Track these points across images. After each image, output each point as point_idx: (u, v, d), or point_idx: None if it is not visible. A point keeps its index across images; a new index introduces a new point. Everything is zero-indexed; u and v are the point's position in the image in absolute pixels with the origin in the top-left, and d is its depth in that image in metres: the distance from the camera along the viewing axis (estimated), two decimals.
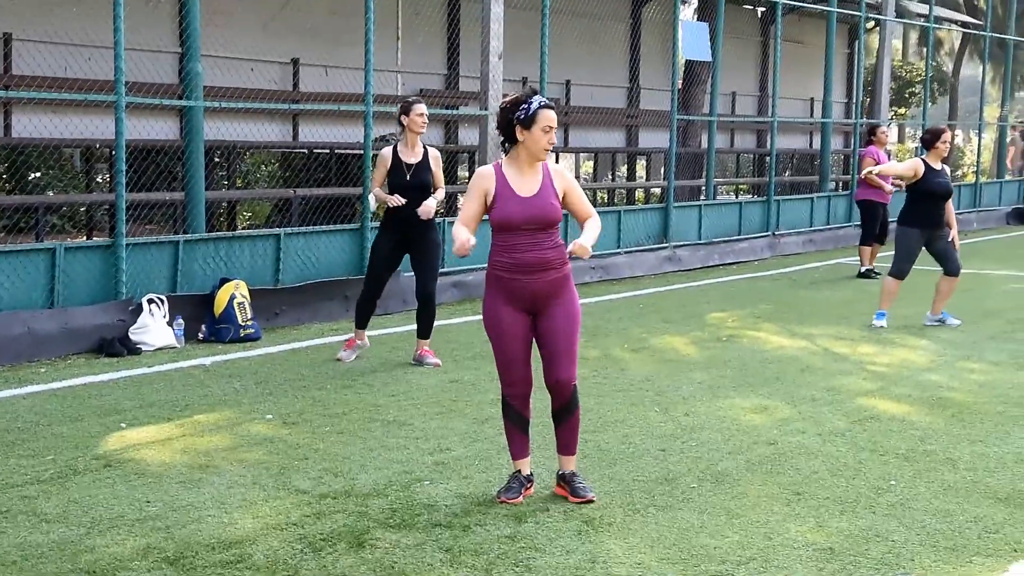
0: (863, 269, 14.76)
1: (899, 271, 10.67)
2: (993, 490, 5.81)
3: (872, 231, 14.80)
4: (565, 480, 5.57)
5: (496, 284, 5.43)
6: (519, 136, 5.35)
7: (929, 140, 10.66)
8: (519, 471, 5.58)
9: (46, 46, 12.58)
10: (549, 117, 5.35)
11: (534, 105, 5.32)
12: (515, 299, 5.41)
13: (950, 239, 10.63)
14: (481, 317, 5.59)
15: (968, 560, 4.84)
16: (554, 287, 5.43)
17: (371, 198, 8.74)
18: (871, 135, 15.07)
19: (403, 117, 8.56)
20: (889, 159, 15.11)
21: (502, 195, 5.37)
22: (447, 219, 12.12)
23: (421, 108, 8.53)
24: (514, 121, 5.34)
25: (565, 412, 5.55)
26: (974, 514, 5.43)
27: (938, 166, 10.63)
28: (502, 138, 5.46)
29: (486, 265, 5.51)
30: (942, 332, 10.40)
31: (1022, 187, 25.98)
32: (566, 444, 5.60)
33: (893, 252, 10.76)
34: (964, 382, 8.42)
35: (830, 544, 4.99)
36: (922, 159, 10.66)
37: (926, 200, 10.47)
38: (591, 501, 5.46)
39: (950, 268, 10.64)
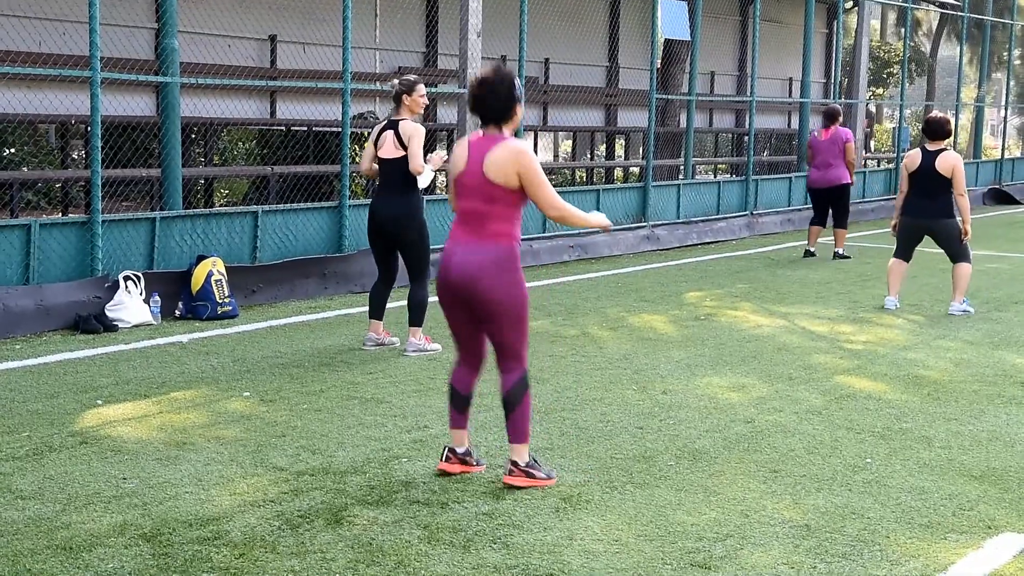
0: (839, 251, 14.65)
1: (970, 255, 10.55)
2: (968, 468, 5.85)
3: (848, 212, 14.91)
4: (470, 454, 5.67)
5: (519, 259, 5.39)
6: (517, 112, 5.34)
7: (950, 131, 10.51)
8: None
9: (20, 20, 12.45)
10: None
11: (519, 82, 5.36)
12: None
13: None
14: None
15: (943, 537, 4.88)
16: None
17: (429, 173, 8.28)
18: (837, 117, 14.85)
19: (405, 96, 8.28)
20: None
21: None
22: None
23: (423, 88, 8.39)
24: (518, 99, 5.32)
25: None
26: (949, 491, 5.47)
27: None
28: (494, 118, 5.31)
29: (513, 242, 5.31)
30: (918, 312, 10.45)
31: (998, 168, 26.10)
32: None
33: (957, 245, 10.42)
34: (940, 361, 8.47)
35: (806, 521, 5.02)
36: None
37: None
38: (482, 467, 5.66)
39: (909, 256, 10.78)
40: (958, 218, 10.45)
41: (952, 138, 25.82)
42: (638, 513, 5.08)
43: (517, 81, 5.32)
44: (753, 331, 9.54)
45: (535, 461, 5.47)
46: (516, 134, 5.35)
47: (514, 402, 5.39)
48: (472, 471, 5.58)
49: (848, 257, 14.64)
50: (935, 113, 10.74)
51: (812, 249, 14.84)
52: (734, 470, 5.73)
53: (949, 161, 10.31)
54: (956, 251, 10.52)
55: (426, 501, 5.15)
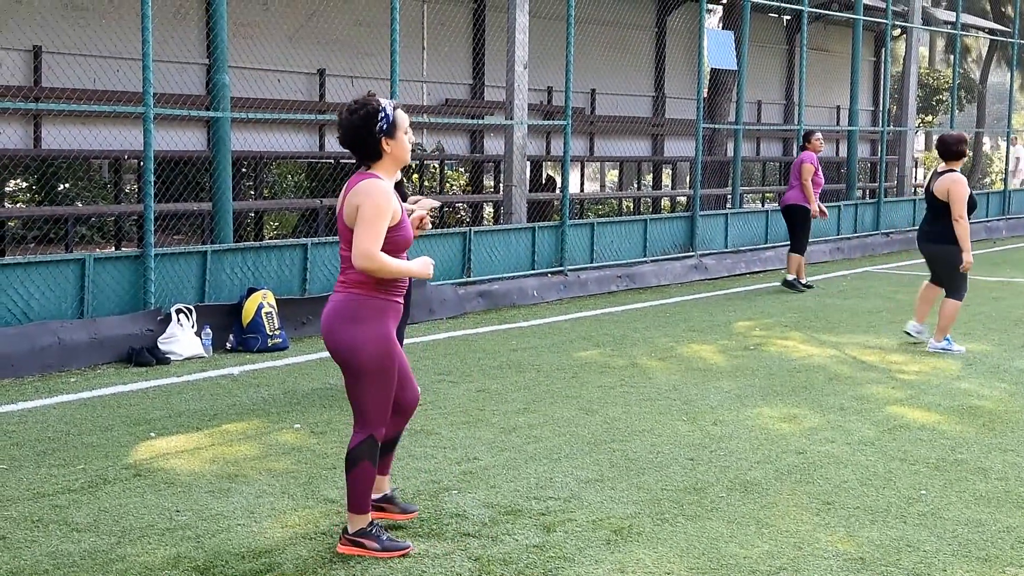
0: (790, 278, 14.10)
1: (962, 291, 9.88)
2: None
3: (805, 237, 14.24)
4: (392, 499, 5.27)
5: (384, 313, 4.83)
6: (386, 148, 4.80)
7: (960, 152, 9.79)
8: (375, 520, 5.03)
9: (75, 58, 12.68)
10: (406, 118, 4.88)
11: (390, 110, 4.80)
12: (394, 324, 4.91)
13: None
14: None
15: (1001, 571, 4.81)
16: None
17: None
18: (806, 140, 14.34)
19: None
20: (819, 166, 14.24)
21: (403, 217, 4.86)
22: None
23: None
24: (379, 134, 4.77)
25: (401, 433, 5.25)
26: (1006, 524, 5.39)
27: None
28: (358, 156, 4.84)
29: (367, 293, 4.81)
30: (971, 340, 10.29)
31: None
32: (391, 462, 5.31)
33: (948, 275, 9.86)
34: (994, 390, 8.36)
35: (861, 554, 4.96)
36: (957, 171, 9.81)
37: (970, 215, 9.76)
38: (414, 513, 5.28)
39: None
40: (950, 248, 9.73)
41: (1009, 160, 25.58)
42: (690, 546, 5.04)
43: (384, 112, 4.77)
44: (803, 361, 9.47)
45: (372, 531, 4.93)
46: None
47: (348, 466, 4.90)
48: (396, 518, 5.25)
49: (800, 290, 13.90)
50: (949, 132, 10.25)
51: (789, 278, 14.21)
52: (786, 502, 5.68)
53: (944, 183, 9.66)
54: (946, 283, 9.93)
55: (476, 533, 5.15)
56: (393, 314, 4.88)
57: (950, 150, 9.84)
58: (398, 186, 7.67)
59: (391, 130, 4.79)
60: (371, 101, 4.80)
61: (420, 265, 4.91)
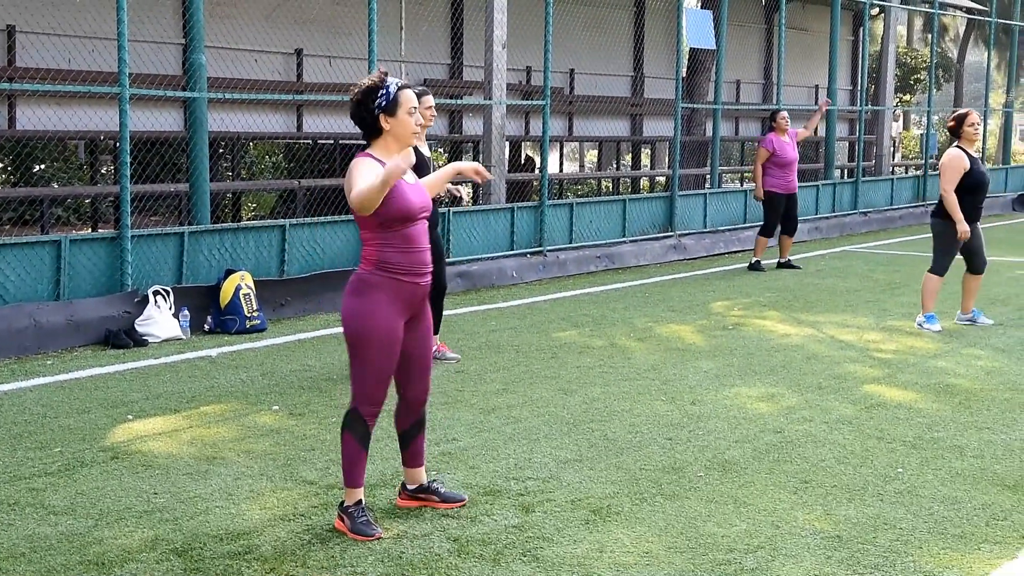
0: (752, 260, 14.25)
1: (941, 267, 9.90)
2: (1001, 477, 5.80)
3: (771, 222, 14.35)
4: (431, 490, 5.24)
5: (383, 289, 4.83)
6: (385, 125, 4.84)
7: (954, 127, 9.88)
8: (361, 500, 4.98)
9: (50, 38, 12.57)
10: (411, 97, 4.87)
11: (393, 88, 4.82)
12: (403, 306, 4.88)
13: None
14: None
15: (976, 547, 4.84)
16: (428, 289, 5.04)
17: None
18: (772, 120, 14.40)
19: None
20: (794, 140, 14.35)
21: (396, 186, 4.78)
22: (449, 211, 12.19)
23: (430, 100, 7.75)
24: (376, 110, 4.83)
25: (420, 426, 5.22)
26: (982, 501, 5.42)
27: (975, 153, 9.92)
28: (362, 132, 4.92)
29: (369, 270, 4.87)
30: (947, 320, 10.35)
31: None
32: (420, 455, 5.26)
33: (932, 249, 9.99)
34: (971, 369, 8.41)
35: (838, 532, 4.99)
36: (959, 148, 9.79)
37: (970, 193, 9.73)
38: (464, 503, 5.25)
39: (976, 265, 10.02)
40: (943, 223, 9.79)
41: (986, 139, 25.67)
42: (668, 525, 5.06)
43: (385, 89, 4.81)
44: (781, 340, 9.50)
45: (350, 510, 4.94)
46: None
47: (340, 434, 5.04)
48: (440, 507, 5.22)
49: (761, 269, 14.08)
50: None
51: (785, 260, 14.45)
52: (764, 481, 5.71)
53: (942, 159, 9.92)
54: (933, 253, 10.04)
55: (455, 514, 5.15)
56: (392, 294, 4.84)
57: (949, 128, 10.05)
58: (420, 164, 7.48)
59: (391, 107, 4.83)
60: (374, 80, 4.85)
61: (389, 166, 4.59)
